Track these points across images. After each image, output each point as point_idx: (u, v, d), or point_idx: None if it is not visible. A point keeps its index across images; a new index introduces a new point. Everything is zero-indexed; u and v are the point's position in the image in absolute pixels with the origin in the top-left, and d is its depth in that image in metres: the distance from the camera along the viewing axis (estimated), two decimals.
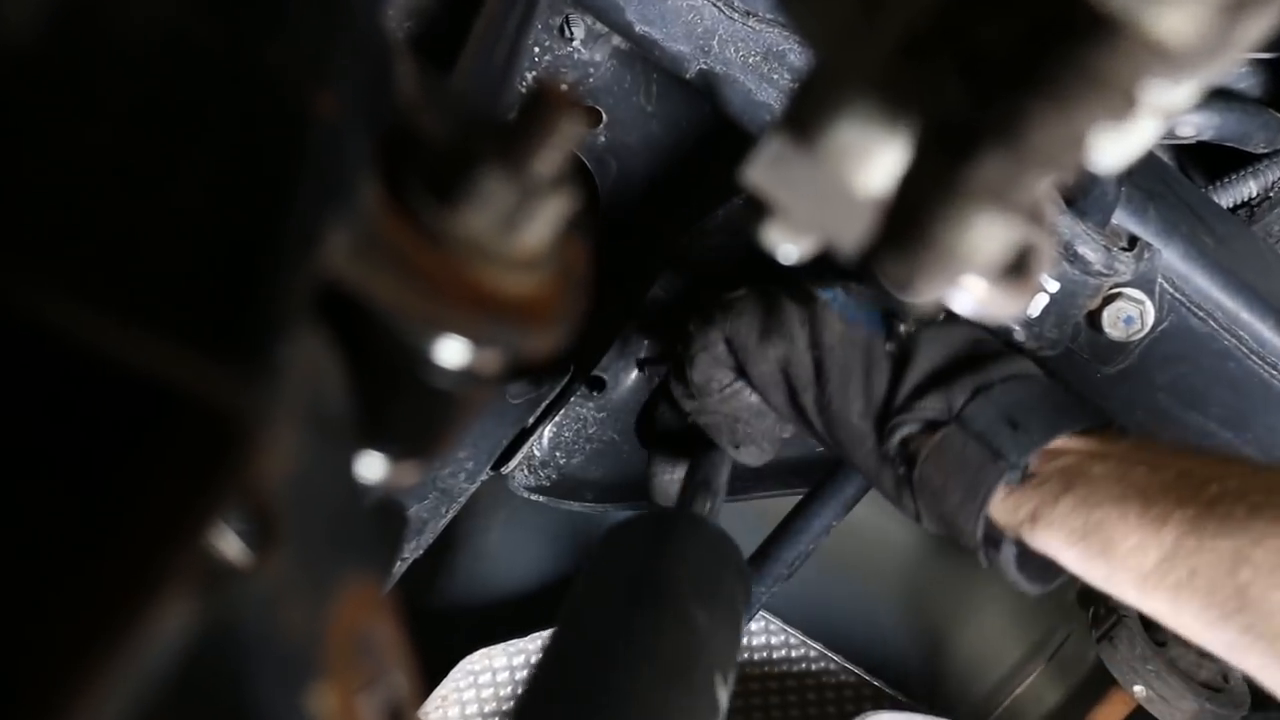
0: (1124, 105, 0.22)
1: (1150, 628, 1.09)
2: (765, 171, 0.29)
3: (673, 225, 0.91)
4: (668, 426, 0.87)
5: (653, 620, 0.61)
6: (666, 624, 0.61)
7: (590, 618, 0.62)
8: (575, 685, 0.58)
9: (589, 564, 0.68)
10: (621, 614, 0.61)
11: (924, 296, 0.27)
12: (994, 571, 0.67)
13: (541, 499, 1.00)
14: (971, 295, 0.28)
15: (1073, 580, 1.07)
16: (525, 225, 0.28)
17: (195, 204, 0.22)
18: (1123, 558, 0.58)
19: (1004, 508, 0.64)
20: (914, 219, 0.26)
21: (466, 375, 0.30)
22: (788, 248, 0.31)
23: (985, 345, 0.72)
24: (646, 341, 0.95)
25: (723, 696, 0.61)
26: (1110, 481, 0.60)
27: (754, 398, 0.77)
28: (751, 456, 0.80)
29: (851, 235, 0.29)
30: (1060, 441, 0.65)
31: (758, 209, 0.30)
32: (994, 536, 0.66)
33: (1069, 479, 0.62)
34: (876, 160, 0.27)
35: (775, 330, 0.74)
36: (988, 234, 0.25)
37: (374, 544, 0.29)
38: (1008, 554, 0.66)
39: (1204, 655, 1.07)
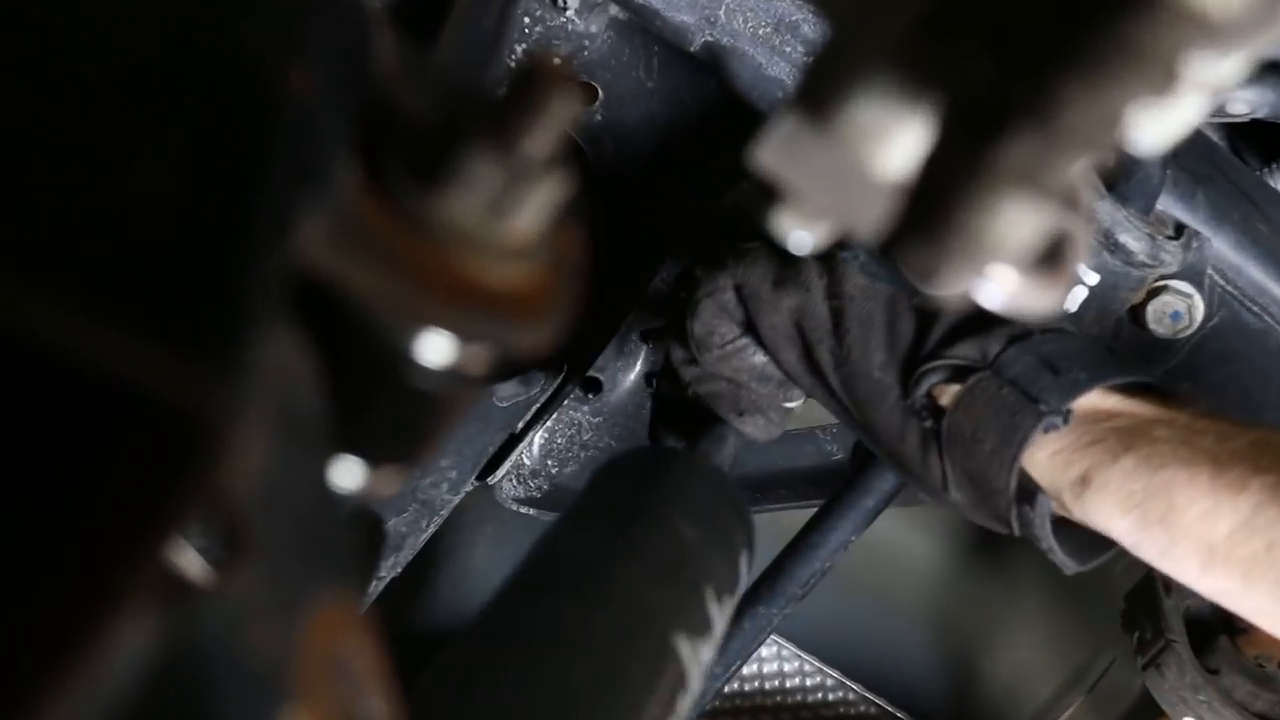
0: (1164, 80, 0.23)
1: (1202, 653, 1.09)
2: (776, 152, 0.29)
3: (675, 211, 0.92)
4: (667, 403, 0.87)
5: (638, 531, 0.62)
6: (652, 534, 0.62)
7: (572, 533, 0.63)
8: (557, 582, 0.59)
9: (576, 497, 0.69)
10: (605, 528, 0.62)
11: (949, 287, 0.28)
12: (1024, 589, 0.67)
13: (531, 512, 1.00)
14: (1001, 287, 0.28)
15: (1116, 602, 1.06)
16: (515, 211, 0.29)
17: (159, 188, 0.22)
18: (1188, 526, 0.57)
19: (1050, 467, 0.63)
20: (938, 204, 0.26)
21: (451, 375, 0.30)
22: (800, 235, 0.31)
23: None
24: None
25: (715, 614, 0.61)
26: (1176, 444, 0.59)
27: (758, 358, 0.77)
28: (758, 428, 0.80)
29: (870, 221, 0.29)
30: (1115, 401, 0.64)
31: (768, 193, 0.30)
32: (1029, 490, 0.65)
33: (1128, 439, 0.61)
34: (897, 141, 0.28)
35: (791, 279, 0.74)
36: (1017, 220, 0.26)
37: (350, 559, 0.30)
38: (1043, 510, 0.64)
39: (1261, 684, 1.08)
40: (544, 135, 0.28)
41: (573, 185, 0.30)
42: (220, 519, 0.24)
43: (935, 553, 1.34)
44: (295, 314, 0.27)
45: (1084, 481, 0.61)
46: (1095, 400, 0.64)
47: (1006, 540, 0.71)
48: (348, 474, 0.32)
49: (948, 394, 0.68)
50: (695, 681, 0.59)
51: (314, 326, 0.28)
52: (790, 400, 0.80)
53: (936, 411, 0.68)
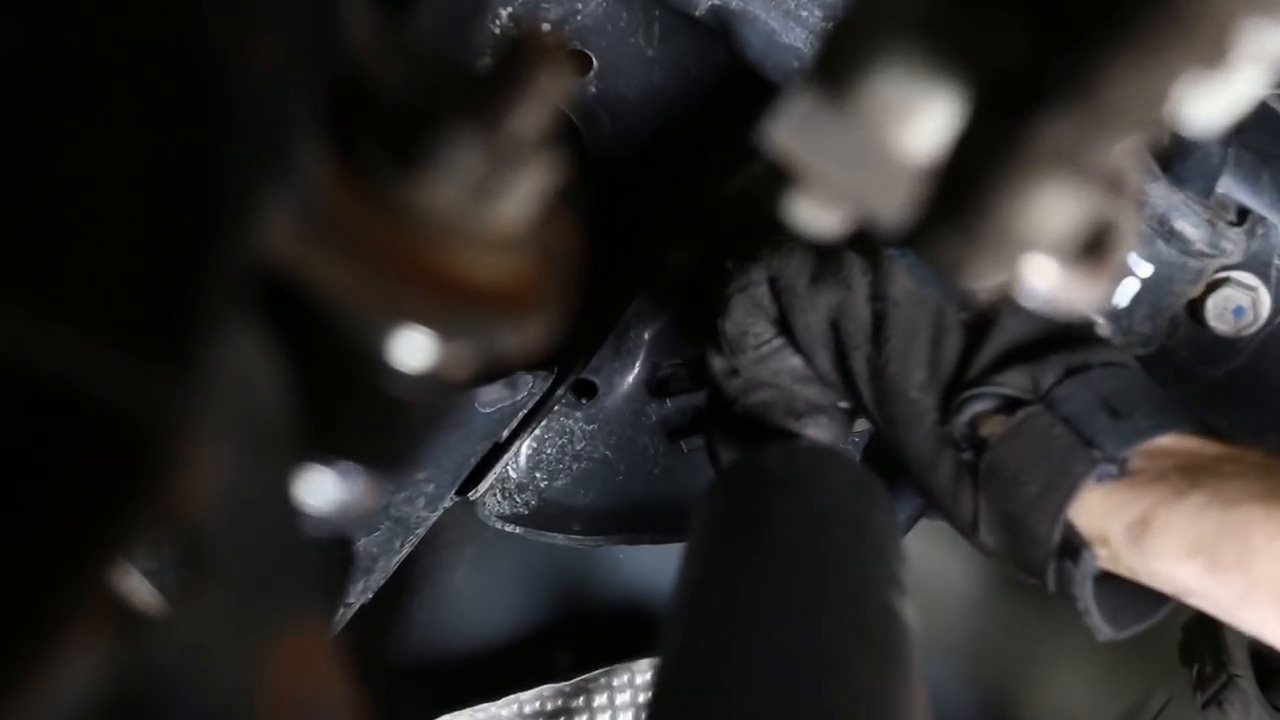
0: (1215, 52, 0.23)
1: (1269, 689, 1.09)
2: (792, 131, 0.29)
3: (679, 196, 0.92)
4: (721, 426, 0.88)
5: (805, 511, 0.69)
6: (823, 512, 0.69)
7: (730, 538, 0.70)
8: (757, 563, 0.66)
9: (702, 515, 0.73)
10: (761, 521, 0.69)
11: (982, 281, 0.28)
12: (1072, 615, 0.68)
13: (518, 530, 1.01)
14: (1040, 280, 0.28)
15: (1173, 633, 1.06)
16: (501, 197, 0.29)
17: (104, 174, 0.22)
18: (1267, 569, 0.57)
19: (1101, 509, 0.63)
20: (968, 189, 0.27)
21: (430, 379, 0.30)
22: (818, 221, 0.31)
23: (1082, 329, 0.71)
24: (648, 337, 0.96)
25: (900, 605, 0.67)
26: (1250, 480, 0.59)
27: (795, 359, 0.77)
28: (822, 428, 0.79)
29: (894, 207, 0.29)
30: (1174, 439, 0.64)
31: (782, 176, 0.31)
32: (1073, 545, 0.65)
33: (1195, 475, 0.61)
34: (923, 119, 0.28)
35: (831, 275, 0.74)
36: (1056, 207, 0.26)
37: (318, 583, 0.30)
38: (1086, 569, 0.64)
39: None
40: (533, 112, 0.28)
41: (565, 167, 0.30)
42: (176, 539, 0.24)
43: (971, 575, 1.34)
44: (259, 313, 0.27)
45: (1144, 523, 0.61)
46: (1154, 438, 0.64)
47: None
48: (316, 489, 0.32)
49: (991, 425, 0.68)
50: (922, 643, 0.64)
51: (280, 326, 0.28)
52: (844, 401, 0.80)
53: (977, 443, 0.68)
